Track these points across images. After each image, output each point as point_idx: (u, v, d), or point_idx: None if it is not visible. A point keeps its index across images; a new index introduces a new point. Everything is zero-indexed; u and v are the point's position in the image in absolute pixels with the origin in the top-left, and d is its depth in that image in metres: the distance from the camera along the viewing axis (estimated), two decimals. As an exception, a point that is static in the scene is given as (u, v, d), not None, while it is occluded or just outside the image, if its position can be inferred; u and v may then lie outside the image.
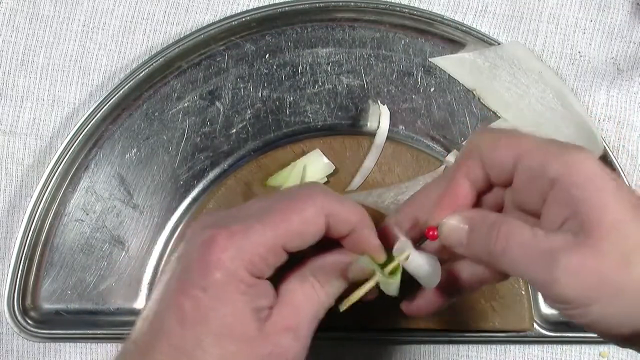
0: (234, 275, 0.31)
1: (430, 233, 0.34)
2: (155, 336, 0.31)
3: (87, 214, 0.49)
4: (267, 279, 0.32)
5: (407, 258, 0.33)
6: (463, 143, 0.50)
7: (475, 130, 0.34)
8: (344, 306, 0.33)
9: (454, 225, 0.33)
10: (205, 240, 0.31)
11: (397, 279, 0.33)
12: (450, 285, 0.36)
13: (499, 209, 0.35)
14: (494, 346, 0.50)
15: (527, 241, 0.30)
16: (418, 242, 0.35)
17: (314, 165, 0.49)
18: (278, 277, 0.33)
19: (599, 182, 0.29)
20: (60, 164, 0.48)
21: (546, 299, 0.32)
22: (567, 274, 0.29)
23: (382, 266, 0.34)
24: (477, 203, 0.35)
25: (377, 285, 0.34)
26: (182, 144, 0.50)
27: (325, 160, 0.49)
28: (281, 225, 0.32)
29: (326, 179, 0.49)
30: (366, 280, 0.33)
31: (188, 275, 0.31)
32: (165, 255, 0.49)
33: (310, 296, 0.33)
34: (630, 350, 0.49)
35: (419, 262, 0.33)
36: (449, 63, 0.51)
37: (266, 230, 0.31)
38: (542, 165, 0.30)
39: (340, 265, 0.34)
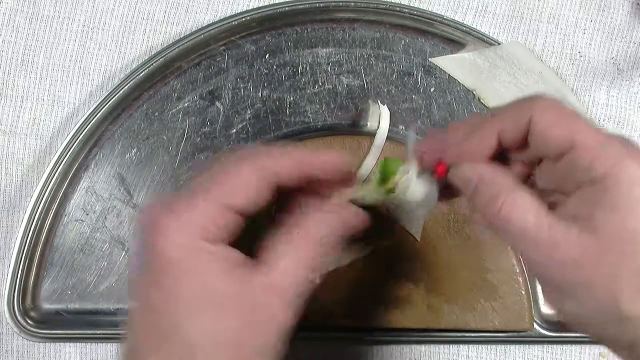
0: (188, 246, 0.30)
1: (439, 169, 0.34)
2: (137, 331, 0.32)
3: (87, 214, 0.49)
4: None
5: (404, 190, 0.34)
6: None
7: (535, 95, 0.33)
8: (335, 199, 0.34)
9: (464, 174, 0.33)
10: (148, 224, 0.31)
11: (390, 195, 0.35)
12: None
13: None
14: (494, 346, 0.50)
15: (529, 226, 0.30)
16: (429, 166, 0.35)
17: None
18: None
19: (633, 208, 0.28)
20: (60, 164, 0.48)
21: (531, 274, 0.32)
22: (560, 266, 0.29)
23: (382, 180, 0.35)
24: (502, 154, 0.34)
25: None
26: (182, 144, 0.50)
27: None
28: (220, 186, 0.32)
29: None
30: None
31: (146, 265, 0.31)
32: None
33: (297, 253, 0.32)
34: (630, 350, 0.49)
35: (416, 190, 0.34)
36: (449, 63, 0.51)
37: (207, 195, 0.31)
38: (589, 167, 0.29)
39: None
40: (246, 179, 0.32)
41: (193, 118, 0.50)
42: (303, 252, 0.32)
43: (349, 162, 0.35)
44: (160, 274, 0.30)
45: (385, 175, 0.35)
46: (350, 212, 0.35)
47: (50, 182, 0.48)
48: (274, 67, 0.50)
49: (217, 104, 0.50)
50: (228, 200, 0.31)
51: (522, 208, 0.30)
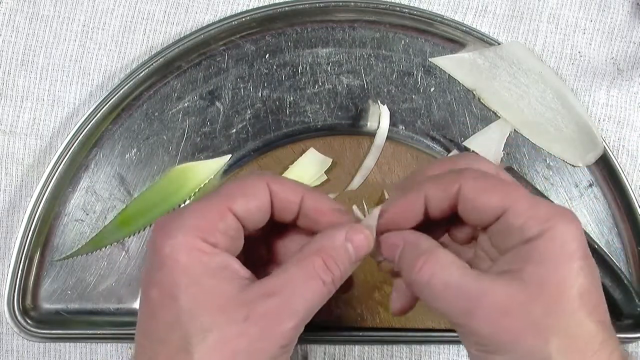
0: (185, 244, 0.30)
1: None
2: (138, 330, 0.32)
3: (87, 214, 0.49)
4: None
5: None
6: (463, 144, 0.50)
7: (459, 154, 0.34)
8: None
9: (391, 240, 0.33)
10: (157, 226, 0.32)
11: None
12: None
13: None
14: (494, 346, 0.50)
15: (453, 279, 0.30)
16: None
17: (311, 162, 0.49)
18: None
19: (566, 262, 0.29)
20: (60, 164, 0.48)
21: (461, 336, 0.32)
22: (487, 314, 0.29)
23: None
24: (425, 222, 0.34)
25: None
26: (182, 144, 0.50)
27: (321, 156, 0.49)
28: (223, 191, 0.32)
29: (326, 176, 0.49)
30: None
31: (150, 264, 0.32)
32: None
33: (307, 273, 0.31)
34: (630, 350, 0.49)
35: None
36: (449, 63, 0.51)
37: (210, 199, 0.32)
38: (523, 227, 0.30)
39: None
40: (249, 185, 0.33)
41: (193, 118, 0.50)
42: (313, 281, 0.31)
43: (346, 220, 0.34)
44: (160, 273, 0.31)
45: None
46: (364, 238, 0.33)
47: (50, 182, 0.48)
48: (274, 67, 0.50)
49: (217, 104, 0.50)
50: (229, 202, 0.32)
51: (445, 263, 0.31)
